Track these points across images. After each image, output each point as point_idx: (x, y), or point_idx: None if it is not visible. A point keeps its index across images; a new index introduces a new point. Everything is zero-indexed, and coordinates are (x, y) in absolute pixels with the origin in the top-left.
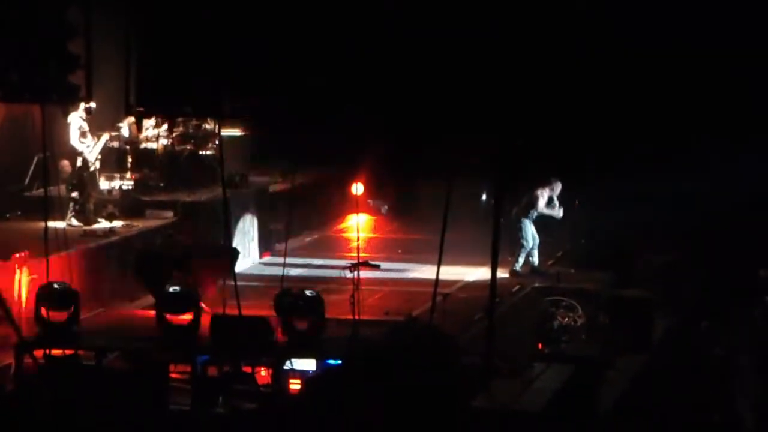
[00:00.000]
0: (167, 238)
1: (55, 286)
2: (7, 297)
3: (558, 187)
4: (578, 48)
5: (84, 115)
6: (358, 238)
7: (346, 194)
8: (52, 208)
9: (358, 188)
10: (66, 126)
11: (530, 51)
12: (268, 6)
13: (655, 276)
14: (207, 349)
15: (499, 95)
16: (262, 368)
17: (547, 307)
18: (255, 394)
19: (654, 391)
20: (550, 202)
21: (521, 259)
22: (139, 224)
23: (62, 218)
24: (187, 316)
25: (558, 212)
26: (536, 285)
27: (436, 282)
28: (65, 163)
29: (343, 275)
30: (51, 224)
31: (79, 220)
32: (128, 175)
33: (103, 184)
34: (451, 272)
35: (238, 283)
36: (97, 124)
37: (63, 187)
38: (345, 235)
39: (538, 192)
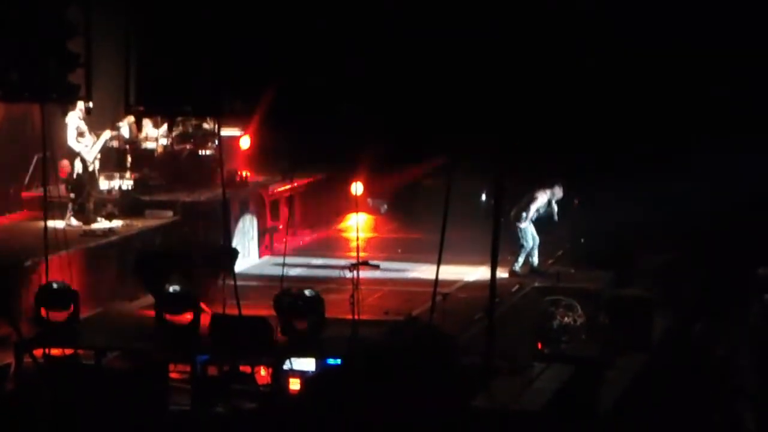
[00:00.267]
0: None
1: (55, 285)
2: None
3: (559, 193)
4: (578, 48)
5: (81, 114)
6: (357, 238)
7: (345, 194)
8: (52, 207)
9: (357, 188)
10: (65, 126)
11: (530, 51)
12: (267, 6)
13: (655, 276)
14: (207, 349)
15: (499, 95)
16: (262, 368)
17: (546, 307)
18: (255, 394)
19: (654, 391)
20: (548, 206)
21: (521, 259)
22: (139, 224)
23: (62, 218)
24: (187, 316)
25: (554, 216)
26: (536, 285)
27: (436, 282)
28: (65, 163)
29: (342, 275)
30: (50, 224)
31: (78, 219)
32: (128, 174)
33: (103, 184)
34: (451, 272)
35: (238, 283)
36: (96, 123)
37: (63, 187)
38: (344, 234)
39: (538, 193)
